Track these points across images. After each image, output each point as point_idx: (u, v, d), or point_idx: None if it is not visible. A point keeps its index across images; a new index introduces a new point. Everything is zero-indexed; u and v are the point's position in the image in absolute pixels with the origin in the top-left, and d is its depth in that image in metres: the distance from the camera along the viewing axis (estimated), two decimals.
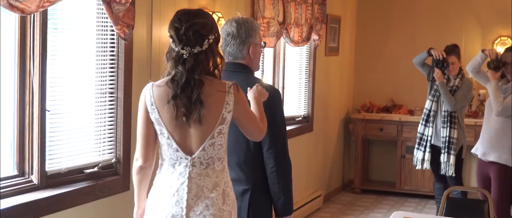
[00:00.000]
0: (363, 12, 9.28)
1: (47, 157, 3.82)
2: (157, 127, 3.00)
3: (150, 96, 3.00)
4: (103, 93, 4.24)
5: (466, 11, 8.81)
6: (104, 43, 4.22)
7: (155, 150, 3.10)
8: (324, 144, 8.33)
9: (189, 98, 2.92)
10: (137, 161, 3.11)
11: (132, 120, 4.33)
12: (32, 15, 3.64)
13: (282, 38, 6.59)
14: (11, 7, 3.24)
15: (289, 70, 7.17)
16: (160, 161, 3.08)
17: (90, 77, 4.19)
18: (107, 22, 4.14)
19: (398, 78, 9.15)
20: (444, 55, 6.55)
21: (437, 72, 6.51)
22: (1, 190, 3.57)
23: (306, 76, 7.65)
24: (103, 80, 4.24)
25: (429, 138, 6.57)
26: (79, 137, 4.10)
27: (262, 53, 3.70)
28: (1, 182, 3.60)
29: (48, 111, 3.79)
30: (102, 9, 4.00)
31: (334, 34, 8.33)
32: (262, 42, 3.59)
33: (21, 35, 3.68)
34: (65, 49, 4.00)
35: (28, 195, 3.69)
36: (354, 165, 8.97)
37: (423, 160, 6.64)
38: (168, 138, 2.99)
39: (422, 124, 6.66)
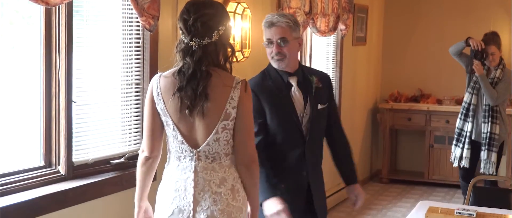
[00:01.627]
0: (391, 1, 9.22)
1: (74, 148, 3.85)
2: (163, 118, 2.97)
3: (156, 87, 2.96)
4: (129, 85, 4.26)
5: (495, 1, 8.70)
6: (130, 34, 4.24)
7: (162, 141, 3.06)
8: (351, 134, 8.26)
9: (194, 90, 2.86)
10: (143, 152, 3.08)
11: None
12: (57, 7, 3.67)
13: (308, 29, 6.56)
14: None
15: (316, 60, 7.15)
16: (168, 154, 3.05)
17: (116, 68, 4.21)
18: (132, 13, 4.15)
19: (426, 68, 9.09)
20: (483, 46, 6.22)
21: (476, 64, 6.21)
22: (29, 181, 3.61)
23: (333, 67, 7.62)
24: (129, 72, 4.26)
25: (468, 134, 6.32)
26: (105, 128, 4.13)
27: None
28: (29, 173, 3.65)
29: (75, 102, 3.82)
30: (128, 0, 4.01)
31: (361, 24, 8.29)
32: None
33: (47, 27, 3.71)
34: (91, 41, 4.02)
35: (55, 185, 3.72)
36: (382, 155, 8.94)
37: (461, 157, 6.39)
38: (173, 130, 2.94)
39: (460, 119, 6.41)
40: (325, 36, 6.87)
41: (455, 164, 6.46)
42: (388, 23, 9.27)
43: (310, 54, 6.98)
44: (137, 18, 4.10)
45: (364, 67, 8.66)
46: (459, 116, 6.44)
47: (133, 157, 4.26)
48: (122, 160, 4.17)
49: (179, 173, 2.98)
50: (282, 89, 3.65)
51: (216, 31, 2.90)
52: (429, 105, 8.64)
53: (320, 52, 7.33)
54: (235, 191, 2.96)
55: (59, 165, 3.81)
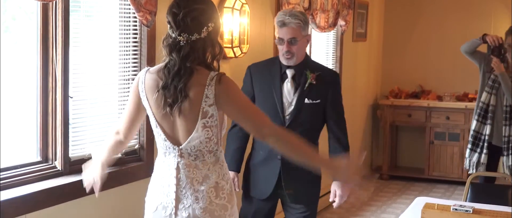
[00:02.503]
0: None
1: (70, 143, 3.86)
2: (148, 114, 2.96)
3: (142, 83, 2.93)
4: (126, 80, 4.26)
5: None
6: (127, 30, 4.24)
7: (137, 129, 3.12)
8: (351, 130, 8.21)
9: (175, 88, 2.81)
10: (117, 134, 3.11)
11: None
12: (54, 2, 3.67)
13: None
14: None
15: (315, 56, 7.13)
16: (157, 147, 3.04)
17: (114, 64, 4.21)
18: (130, 8, 4.15)
19: (427, 64, 9.08)
20: (500, 41, 5.74)
21: (495, 61, 5.74)
22: (25, 176, 3.62)
23: (333, 62, 7.61)
24: (127, 67, 4.26)
25: (486, 137, 5.84)
26: (102, 123, 4.13)
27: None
28: (25, 168, 3.66)
29: (71, 97, 3.82)
30: None
31: (361, 20, 8.28)
32: None
33: (43, 22, 3.71)
34: (88, 36, 4.02)
35: (52, 180, 3.73)
36: (382, 151, 8.93)
37: (478, 163, 5.90)
38: (156, 127, 2.93)
39: (477, 121, 5.90)
40: (324, 32, 6.86)
41: (471, 171, 5.93)
42: (388, 19, 9.26)
43: (310, 50, 6.96)
44: (134, 13, 4.10)
45: (364, 63, 8.65)
46: (475, 117, 5.92)
47: (130, 153, 4.28)
48: (119, 155, 4.17)
49: (164, 168, 2.96)
50: (276, 77, 3.95)
51: (205, 28, 2.84)
52: (429, 102, 8.63)
53: (320, 48, 7.32)
54: (219, 189, 2.92)
55: (55, 160, 3.81)
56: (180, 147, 2.89)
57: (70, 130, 3.85)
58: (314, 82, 3.90)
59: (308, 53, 6.86)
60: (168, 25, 2.87)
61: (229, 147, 4.06)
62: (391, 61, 9.28)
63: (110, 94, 4.20)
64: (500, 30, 8.65)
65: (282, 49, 3.90)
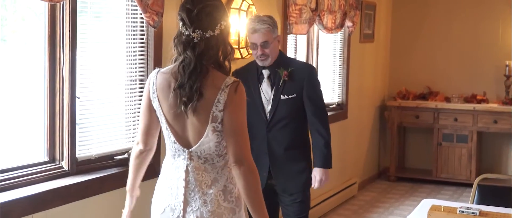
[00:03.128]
0: None
1: (77, 144, 3.87)
2: (158, 115, 2.93)
3: (153, 84, 2.90)
4: (133, 81, 4.27)
5: None
6: (134, 30, 4.25)
7: (156, 136, 3.04)
8: (358, 131, 8.29)
9: (191, 88, 2.77)
10: (137, 144, 3.07)
11: None
12: (62, 3, 3.68)
13: (315, 25, 6.55)
14: None
15: (322, 57, 7.14)
16: (166, 148, 3.02)
17: (121, 64, 4.22)
18: (136, 9, 4.16)
19: (435, 65, 9.06)
20: None
21: None
22: (32, 176, 3.63)
23: (340, 64, 7.60)
24: (133, 68, 4.27)
25: None
26: (109, 124, 4.14)
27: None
28: (32, 168, 3.67)
29: (78, 98, 3.84)
30: None
31: (369, 21, 8.27)
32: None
33: (51, 23, 3.73)
34: (95, 37, 4.03)
35: (59, 181, 3.75)
36: (390, 153, 8.92)
37: None
38: (166, 129, 2.90)
39: None
40: (331, 33, 6.85)
41: None
42: (396, 20, 9.25)
43: (317, 51, 6.96)
44: (141, 14, 4.11)
45: (371, 65, 8.64)
46: None
47: None
48: (125, 155, 4.17)
49: (173, 170, 2.95)
50: (254, 79, 4.29)
51: (218, 25, 2.82)
52: (437, 103, 8.61)
53: (327, 49, 7.32)
54: (227, 192, 2.90)
55: (62, 160, 3.82)
56: (190, 150, 2.87)
57: (77, 130, 3.86)
58: (286, 79, 4.22)
59: (315, 53, 6.88)
60: (181, 23, 2.83)
61: None
62: (398, 62, 9.26)
63: (117, 95, 4.21)
64: (507, 32, 8.66)
65: (256, 53, 4.19)
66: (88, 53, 3.95)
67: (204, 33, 2.79)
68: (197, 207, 2.87)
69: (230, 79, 2.82)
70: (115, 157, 4.13)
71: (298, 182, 4.33)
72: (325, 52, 7.23)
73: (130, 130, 4.28)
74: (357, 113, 8.11)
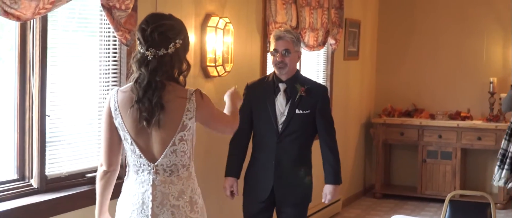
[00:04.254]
0: (384, 16, 9.24)
1: (47, 161, 3.88)
2: (121, 133, 3.00)
3: (114, 102, 3.00)
4: (105, 98, 4.28)
5: (488, 13, 8.73)
6: (107, 48, 4.28)
7: (119, 155, 3.11)
8: (343, 148, 8.26)
9: (150, 101, 2.89)
10: (101, 166, 3.11)
11: None
12: (32, 21, 3.71)
13: None
14: (7, 14, 3.29)
15: (306, 74, 7.12)
16: (126, 167, 3.10)
17: (94, 82, 4.24)
18: (110, 27, 4.18)
19: (420, 82, 9.10)
20: None
21: None
22: (1, 194, 3.63)
23: (324, 81, 7.63)
24: (106, 85, 4.29)
25: (510, 154, 6.18)
26: (81, 142, 4.16)
27: None
28: (2, 186, 3.67)
29: (48, 115, 3.85)
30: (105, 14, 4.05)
31: (353, 39, 8.31)
32: None
33: (22, 41, 3.75)
34: (67, 55, 4.06)
35: (28, 198, 3.75)
36: (375, 170, 8.93)
37: (504, 179, 6.24)
38: (131, 144, 2.98)
39: (505, 139, 6.29)
40: (313, 50, 6.89)
41: (496, 184, 6.39)
42: (381, 37, 9.29)
43: (300, 67, 6.98)
44: (114, 32, 4.13)
45: (357, 82, 8.67)
46: (505, 136, 6.33)
47: None
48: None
49: (137, 186, 3.01)
50: (270, 91, 4.48)
51: (172, 43, 2.94)
52: (421, 120, 8.64)
53: (311, 67, 7.34)
54: (193, 203, 3.03)
55: (32, 178, 3.83)
56: (156, 163, 2.97)
57: (47, 148, 3.87)
58: (304, 94, 4.44)
59: (298, 69, 6.90)
60: (138, 42, 2.96)
61: (230, 155, 4.62)
62: (384, 79, 9.29)
63: (89, 113, 4.23)
64: (493, 49, 8.71)
65: (275, 59, 4.43)
66: (59, 71, 3.96)
67: (157, 51, 2.91)
68: None
69: (191, 89, 2.99)
70: (86, 175, 4.14)
71: (297, 197, 4.52)
72: (308, 70, 7.25)
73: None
74: (342, 129, 8.10)
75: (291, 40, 4.43)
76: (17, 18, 3.37)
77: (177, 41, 2.96)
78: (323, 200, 4.59)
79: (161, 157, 2.96)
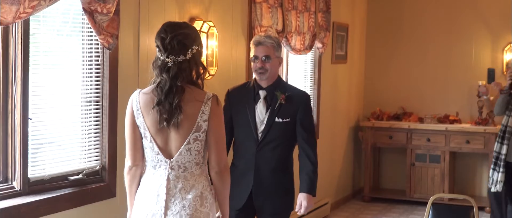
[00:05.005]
0: (373, 20, 9.29)
1: (29, 164, 3.90)
2: (142, 131, 3.26)
3: (136, 102, 3.25)
4: (88, 102, 4.32)
5: (476, 18, 8.79)
6: (90, 52, 4.31)
7: (142, 151, 3.33)
8: (331, 151, 8.33)
9: (170, 104, 3.15)
10: (127, 161, 3.36)
11: (117, 127, 4.40)
12: (14, 24, 3.73)
13: (284, 47, 6.61)
14: None
15: (293, 78, 7.19)
16: (145, 163, 3.34)
17: (76, 85, 4.27)
18: (92, 31, 4.20)
19: (409, 86, 9.14)
20: None
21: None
22: None
23: (311, 84, 7.66)
24: (89, 89, 4.32)
25: (503, 157, 6.24)
26: (63, 145, 4.18)
27: None
28: None
29: (30, 119, 3.87)
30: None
31: (341, 42, 8.34)
32: None
33: (4, 44, 3.77)
34: (49, 59, 4.08)
35: (10, 200, 3.77)
36: (364, 173, 8.96)
37: (498, 181, 6.27)
38: (150, 141, 3.24)
39: (498, 142, 6.34)
40: (300, 54, 6.92)
41: (493, 189, 6.33)
42: (370, 41, 9.33)
43: (287, 72, 7.02)
44: (96, 35, 4.15)
45: (345, 85, 8.70)
46: (497, 139, 6.35)
47: (92, 174, 4.32)
48: (80, 176, 4.22)
49: (154, 180, 3.27)
50: (250, 98, 4.37)
51: (190, 50, 3.21)
52: (410, 124, 8.67)
53: (298, 70, 7.37)
54: (203, 198, 3.26)
55: (14, 180, 3.85)
56: (171, 160, 3.23)
57: (30, 151, 3.90)
58: (284, 102, 4.30)
59: (285, 74, 6.94)
60: (157, 49, 3.23)
61: None
62: (373, 83, 9.33)
63: (72, 116, 4.25)
64: (481, 53, 8.76)
65: (255, 65, 4.31)
66: (41, 75, 3.99)
67: (177, 58, 3.18)
68: (177, 211, 3.21)
69: (210, 93, 3.26)
70: (69, 178, 4.16)
71: (277, 206, 4.37)
72: (295, 73, 7.29)
73: (85, 150, 4.32)
74: (330, 133, 8.16)
75: (271, 46, 4.31)
76: None
77: (193, 47, 3.22)
78: (296, 209, 4.37)
79: (177, 154, 3.22)
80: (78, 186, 4.18)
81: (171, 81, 3.16)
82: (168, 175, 3.24)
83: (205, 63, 5.13)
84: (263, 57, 4.29)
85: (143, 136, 3.26)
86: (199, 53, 3.28)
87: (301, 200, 4.34)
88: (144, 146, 3.28)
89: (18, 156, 3.84)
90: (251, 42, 4.39)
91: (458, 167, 8.84)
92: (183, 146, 3.21)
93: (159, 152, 3.24)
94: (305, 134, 4.35)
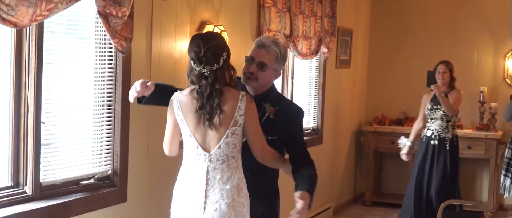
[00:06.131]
0: (376, 25, 9.27)
1: (41, 169, 3.86)
2: (182, 127, 3.55)
3: (177, 102, 3.55)
4: (101, 106, 4.28)
5: (479, 24, 8.79)
6: (103, 55, 4.27)
7: (178, 144, 3.66)
8: (334, 156, 8.32)
9: (211, 106, 3.45)
10: (165, 149, 3.70)
11: (130, 132, 4.37)
12: (28, 28, 3.69)
13: (290, 51, 6.59)
14: (4, 21, 3.27)
15: (298, 82, 7.17)
16: (183, 156, 3.61)
17: (88, 89, 4.23)
18: (105, 34, 4.17)
19: (411, 91, 9.10)
20: None
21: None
22: None
23: (316, 89, 7.65)
24: (101, 93, 4.28)
25: None
26: (75, 149, 4.14)
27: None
28: None
29: (43, 122, 3.83)
30: (101, 22, 4.04)
31: (345, 47, 8.33)
32: None
33: (17, 47, 3.73)
34: (62, 62, 4.04)
35: (22, 205, 3.73)
36: (366, 178, 8.95)
37: (511, 187, 6.39)
38: (190, 137, 3.52)
39: (509, 148, 6.44)
40: (306, 59, 6.90)
41: (506, 195, 6.46)
42: (373, 46, 9.32)
43: (292, 76, 7.00)
44: (110, 39, 4.12)
45: (348, 90, 8.69)
46: (508, 145, 6.47)
47: (103, 178, 4.28)
48: (92, 181, 4.18)
49: (194, 172, 3.54)
50: None
51: (221, 58, 3.49)
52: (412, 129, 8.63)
53: (303, 75, 7.36)
54: (239, 189, 3.52)
55: (26, 185, 3.81)
56: (210, 153, 3.50)
57: (42, 155, 3.86)
58: (272, 117, 3.71)
59: (290, 78, 6.91)
60: (191, 61, 3.51)
61: None
62: (375, 88, 9.32)
63: (84, 120, 4.21)
64: (484, 58, 8.76)
65: (246, 67, 3.73)
66: (54, 78, 3.95)
67: (212, 67, 3.47)
68: (216, 200, 3.48)
69: (243, 92, 3.55)
70: (80, 182, 4.13)
71: (263, 210, 3.80)
72: (300, 78, 7.27)
73: (97, 155, 4.28)
74: (333, 137, 8.14)
75: (274, 55, 3.72)
76: (14, 25, 3.35)
77: (223, 54, 3.50)
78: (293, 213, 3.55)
79: (216, 148, 3.49)
80: (90, 190, 4.15)
81: (211, 87, 3.45)
82: (207, 167, 3.50)
83: None
84: (259, 63, 3.70)
85: (183, 131, 3.55)
86: (229, 57, 3.56)
87: (297, 197, 3.55)
88: (183, 141, 3.58)
89: (30, 160, 3.80)
90: (255, 41, 3.84)
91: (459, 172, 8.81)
92: (222, 140, 3.48)
93: (199, 146, 3.50)
94: (296, 150, 3.72)
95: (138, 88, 3.61)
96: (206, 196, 3.50)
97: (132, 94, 3.65)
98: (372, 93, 9.33)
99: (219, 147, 3.50)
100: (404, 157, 7.14)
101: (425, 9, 9.06)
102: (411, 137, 7.17)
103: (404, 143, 7.01)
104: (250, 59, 3.74)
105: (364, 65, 9.25)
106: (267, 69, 3.73)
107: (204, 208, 3.49)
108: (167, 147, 3.69)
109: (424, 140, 7.12)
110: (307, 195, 3.54)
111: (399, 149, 8.56)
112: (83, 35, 4.23)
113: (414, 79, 9.08)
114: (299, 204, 3.50)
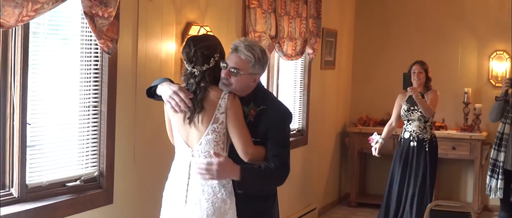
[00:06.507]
0: (360, 26, 9.29)
1: (27, 170, 3.83)
2: (172, 123, 3.71)
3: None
4: (86, 107, 4.26)
5: (463, 25, 8.83)
6: (88, 56, 4.25)
7: None
8: (319, 157, 8.33)
9: (193, 104, 3.54)
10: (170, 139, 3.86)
11: (116, 133, 4.35)
12: (14, 28, 3.66)
13: (275, 52, 6.60)
14: None
15: (283, 83, 7.18)
16: (175, 150, 3.73)
17: (74, 90, 4.21)
18: (91, 35, 4.15)
19: (396, 92, 9.07)
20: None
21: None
22: None
23: (301, 90, 7.65)
24: (87, 94, 4.26)
25: (501, 164, 6.35)
26: (61, 150, 4.12)
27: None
28: None
29: (29, 124, 3.81)
30: (86, 22, 4.01)
31: (330, 48, 8.34)
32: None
33: (3, 48, 3.70)
34: (48, 63, 4.02)
35: (8, 207, 3.70)
36: (351, 179, 8.96)
37: (496, 188, 6.40)
38: (177, 133, 3.66)
39: (494, 149, 6.44)
40: (292, 60, 6.90)
41: (492, 196, 6.48)
42: (357, 47, 9.34)
43: (278, 78, 7.01)
44: (96, 40, 4.09)
45: (333, 91, 8.70)
46: (493, 146, 6.48)
47: (89, 180, 4.26)
48: (78, 182, 4.16)
49: (179, 166, 3.67)
50: None
51: (212, 59, 3.57)
52: (396, 130, 8.65)
53: (288, 76, 7.36)
54: (221, 186, 3.56)
55: (12, 187, 3.78)
56: (193, 149, 3.59)
57: (28, 157, 3.83)
58: (252, 119, 3.60)
59: (276, 79, 6.91)
60: (184, 61, 3.61)
61: None
62: (360, 89, 9.34)
63: (70, 121, 4.19)
64: (468, 59, 8.80)
65: (222, 72, 3.59)
66: (40, 80, 3.93)
67: (202, 67, 3.57)
68: (196, 195, 3.57)
69: (226, 91, 3.58)
70: (66, 184, 4.10)
71: (259, 212, 3.72)
72: (285, 79, 7.27)
73: (83, 156, 4.25)
74: (318, 139, 8.15)
75: (246, 60, 3.55)
76: (0, 26, 3.33)
77: (215, 56, 3.58)
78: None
79: (197, 144, 3.56)
80: (76, 192, 4.12)
81: (196, 86, 3.56)
82: (190, 162, 3.60)
83: None
84: (233, 69, 3.56)
85: (173, 127, 3.70)
86: (222, 57, 3.63)
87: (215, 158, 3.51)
88: (175, 138, 3.71)
89: (16, 162, 3.77)
90: (231, 44, 3.67)
91: (443, 173, 8.86)
92: (203, 136, 3.55)
93: (183, 142, 3.62)
94: (276, 151, 3.59)
95: (186, 98, 3.52)
96: (187, 190, 3.62)
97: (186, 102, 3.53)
98: (356, 94, 9.35)
99: (200, 144, 3.58)
100: (375, 153, 7.13)
101: (409, 10, 9.10)
102: (384, 134, 7.18)
103: (377, 140, 7.00)
104: (224, 65, 3.59)
105: (349, 66, 9.27)
106: (241, 74, 3.57)
107: (186, 201, 3.60)
108: (170, 138, 3.87)
109: (402, 142, 7.10)
110: (230, 162, 3.51)
111: (383, 149, 8.61)
112: (65, 35, 4.20)
113: (398, 80, 9.02)
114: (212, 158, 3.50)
